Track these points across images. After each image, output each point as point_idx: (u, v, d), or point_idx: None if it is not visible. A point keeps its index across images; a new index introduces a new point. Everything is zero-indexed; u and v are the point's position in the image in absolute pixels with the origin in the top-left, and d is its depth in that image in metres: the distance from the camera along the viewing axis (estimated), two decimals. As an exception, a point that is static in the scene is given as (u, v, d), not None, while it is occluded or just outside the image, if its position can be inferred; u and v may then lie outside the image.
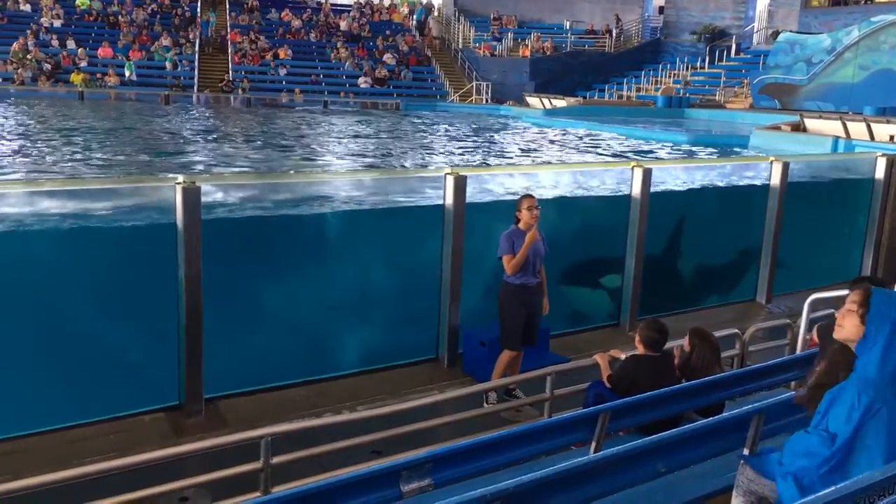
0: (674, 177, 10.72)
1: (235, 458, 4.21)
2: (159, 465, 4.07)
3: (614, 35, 39.10)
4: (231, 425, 5.64)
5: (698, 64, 34.81)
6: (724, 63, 34.30)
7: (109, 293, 5.73)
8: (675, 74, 34.44)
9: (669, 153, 17.89)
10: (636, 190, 7.92)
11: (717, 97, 30.79)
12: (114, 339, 5.68)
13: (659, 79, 34.38)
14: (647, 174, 7.90)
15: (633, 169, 8.01)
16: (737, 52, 35.20)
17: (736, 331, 6.45)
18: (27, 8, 33.74)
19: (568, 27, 40.52)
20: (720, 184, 10.69)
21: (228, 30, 35.42)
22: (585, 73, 37.00)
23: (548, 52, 37.38)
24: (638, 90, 34.17)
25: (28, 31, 31.35)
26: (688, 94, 30.97)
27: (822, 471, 2.93)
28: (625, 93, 33.97)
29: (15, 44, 30.27)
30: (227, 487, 4.19)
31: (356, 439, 4.61)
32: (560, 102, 29.52)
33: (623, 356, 5.09)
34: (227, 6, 37.19)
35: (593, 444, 3.81)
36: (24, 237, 5.93)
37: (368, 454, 4.78)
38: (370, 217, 7.49)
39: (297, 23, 37.49)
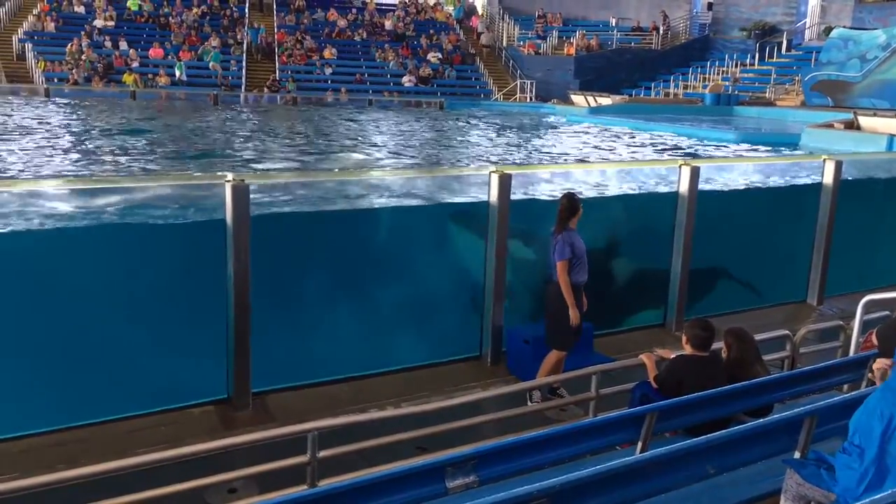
0: (722, 175, 10.56)
1: (282, 451, 4.28)
2: (209, 457, 4.16)
3: (661, 32, 38.59)
4: (278, 419, 5.73)
5: (748, 61, 34.18)
6: (774, 60, 33.61)
7: (163, 288, 5.86)
8: (723, 71, 33.86)
9: (718, 151, 17.60)
10: (683, 188, 7.81)
11: (767, 94, 30.19)
12: (166, 332, 5.81)
13: (707, 76, 33.83)
14: (695, 172, 7.79)
15: (680, 167, 7.91)
16: (788, 49, 34.46)
17: (786, 332, 6.32)
18: (81, 10, 34.61)
19: (614, 24, 40.13)
20: (770, 182, 10.49)
21: (275, 30, 35.87)
22: (631, 70, 36.60)
23: (593, 50, 37.07)
24: (685, 87, 33.67)
25: (82, 33, 32.15)
26: (737, 92, 30.44)
27: (861, 488, 2.85)
28: (671, 90, 33.51)
29: (70, 45, 31.08)
30: (274, 480, 4.25)
31: (401, 435, 4.64)
32: (605, 100, 29.25)
33: (671, 356, 5.03)
34: (275, 7, 37.67)
35: (639, 445, 3.78)
36: (84, 233, 6.10)
37: (413, 450, 4.81)
38: (416, 214, 7.52)
39: (342, 23, 37.81)
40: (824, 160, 9.00)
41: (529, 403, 5.87)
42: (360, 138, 19.47)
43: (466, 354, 7.09)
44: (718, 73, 33.81)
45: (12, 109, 22.29)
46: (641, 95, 33.29)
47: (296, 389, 6.29)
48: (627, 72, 36.43)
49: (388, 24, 38.54)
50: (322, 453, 4.18)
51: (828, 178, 8.90)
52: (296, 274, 6.40)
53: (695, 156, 16.20)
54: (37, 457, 5.03)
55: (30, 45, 30.99)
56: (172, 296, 5.87)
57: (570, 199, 6.15)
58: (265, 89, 31.79)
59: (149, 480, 3.96)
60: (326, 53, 35.04)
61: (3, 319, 5.32)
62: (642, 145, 19.12)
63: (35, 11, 33.71)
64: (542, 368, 6.16)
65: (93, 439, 5.31)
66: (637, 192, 9.66)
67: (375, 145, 17.53)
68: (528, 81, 34.85)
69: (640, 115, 24.73)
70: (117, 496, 3.80)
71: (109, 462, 3.81)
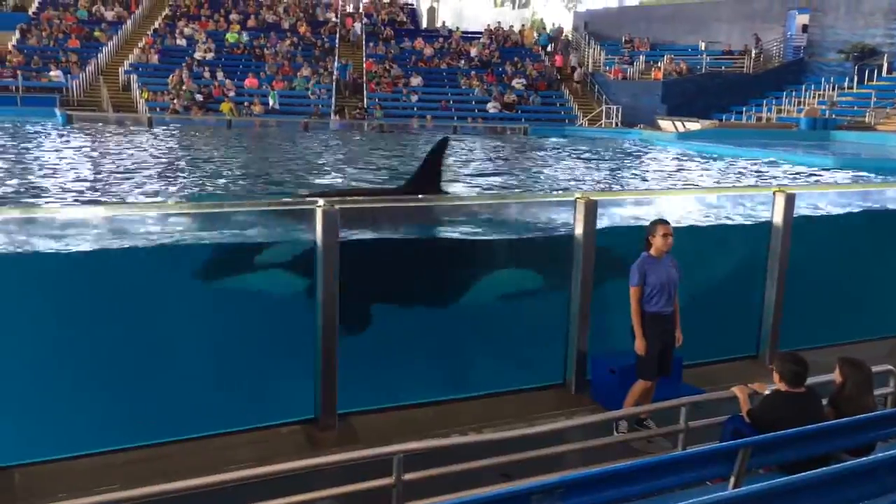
0: (819, 202, 10.18)
1: (365, 472, 4.33)
2: (296, 476, 4.25)
3: (753, 55, 37.64)
4: (362, 440, 5.81)
5: (846, 84, 32.88)
6: (874, 83, 32.21)
7: (254, 311, 6.06)
8: (819, 95, 32.67)
9: (814, 178, 16.97)
10: (777, 217, 7.57)
11: (866, 119, 28.94)
12: (256, 353, 5.99)
13: (802, 100, 32.72)
14: (790, 200, 7.54)
15: (774, 194, 7.67)
16: (889, 71, 32.98)
17: (890, 367, 6.00)
18: (182, 43, 36.42)
19: (703, 48, 39.39)
20: (871, 209, 10.03)
21: (364, 59, 36.79)
22: (722, 94, 35.75)
23: (682, 74, 36.46)
24: (779, 112, 32.65)
25: (183, 64, 33.82)
26: (834, 116, 29.30)
27: None
28: (764, 115, 32.54)
29: (172, 76, 32.72)
30: (359, 501, 4.30)
31: (485, 461, 4.63)
32: (694, 125, 28.69)
33: (767, 390, 4.84)
34: (364, 38, 38.67)
35: (732, 480, 3.65)
36: (181, 255, 6.38)
37: (496, 476, 4.79)
38: (502, 242, 7.54)
39: (428, 51, 38.49)
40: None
41: (616, 433, 5.76)
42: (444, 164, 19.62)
43: (549, 382, 7.03)
44: (814, 97, 32.65)
45: (122, 137, 23.55)
46: (732, 120, 32.47)
47: (380, 412, 6.37)
48: (717, 96, 35.59)
49: (473, 52, 38.99)
50: (407, 476, 4.21)
51: (935, 206, 8.46)
52: (383, 298, 6.51)
53: (790, 182, 15.66)
54: (136, 470, 5.24)
55: (135, 77, 32.80)
56: (264, 318, 6.06)
57: (649, 226, 6.05)
58: (353, 117, 32.63)
59: (238, 497, 4.08)
60: (413, 81, 35.69)
61: (105, 339, 5.60)
62: (733, 171, 18.61)
63: (140, 44, 35.70)
64: (628, 398, 6.04)
65: (186, 454, 5.51)
66: (729, 220, 9.40)
67: (459, 171, 17.66)
68: (614, 107, 34.52)
69: (732, 140, 24.10)
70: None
71: (203, 477, 3.94)
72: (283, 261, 6.59)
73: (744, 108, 33.96)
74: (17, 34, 34.74)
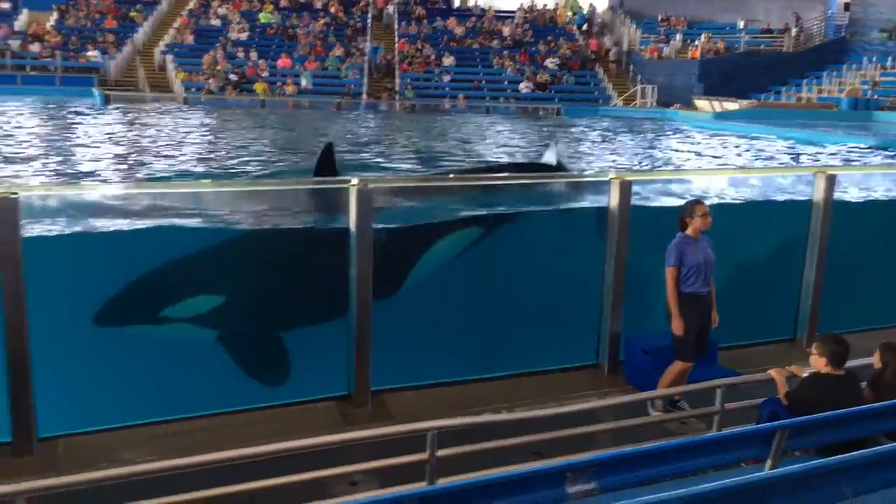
0: (859, 183, 9.96)
1: (399, 448, 4.37)
2: (330, 450, 4.31)
3: (793, 34, 36.81)
4: (395, 417, 5.87)
5: (888, 63, 32.06)
6: (918, 62, 31.40)
7: (295, 289, 6.13)
8: (861, 74, 31.92)
9: (855, 159, 16.61)
10: (818, 197, 7.44)
11: (910, 98, 28.24)
12: (295, 330, 6.06)
13: (843, 79, 32.00)
14: (831, 181, 7.40)
15: (815, 175, 7.53)
16: (934, 50, 32.13)
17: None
18: (217, 23, 36.61)
19: (742, 26, 38.61)
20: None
21: (396, 40, 36.67)
22: (760, 74, 35.05)
23: (719, 53, 35.80)
24: (819, 92, 31.97)
25: (217, 45, 34.01)
26: (876, 96, 28.62)
27: None
28: (804, 94, 31.90)
29: (206, 56, 32.94)
30: (393, 475, 4.35)
31: (517, 439, 4.64)
32: (732, 105, 28.20)
33: (805, 373, 4.78)
34: (396, 18, 38.52)
35: (769, 462, 3.62)
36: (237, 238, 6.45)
37: (529, 454, 4.80)
38: (535, 220, 7.51)
39: (460, 30, 38.23)
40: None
41: (652, 413, 5.73)
42: (476, 143, 19.59)
43: (582, 362, 7.02)
44: (856, 77, 31.90)
45: (158, 117, 23.82)
46: (771, 100, 31.86)
47: (412, 389, 6.41)
48: (756, 75, 34.91)
49: (506, 31, 38.65)
50: (440, 452, 4.24)
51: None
52: (413, 278, 6.53)
53: (830, 163, 15.35)
54: (178, 441, 5.36)
55: (170, 57, 33.08)
56: (306, 296, 6.12)
57: (686, 207, 5.99)
58: (384, 97, 32.62)
59: (275, 468, 4.14)
60: (445, 61, 35.52)
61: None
62: (772, 152, 18.29)
63: (175, 25, 35.96)
64: (663, 378, 6.00)
65: (226, 427, 5.63)
66: (766, 200, 9.24)
67: (491, 151, 17.59)
68: (649, 86, 34.03)
69: (770, 120, 23.67)
70: (250, 482, 3.99)
71: (243, 448, 4.02)
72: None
73: (783, 88, 33.29)
74: (56, 14, 35.20)
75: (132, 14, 36.27)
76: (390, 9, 39.35)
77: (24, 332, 5.04)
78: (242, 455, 3.96)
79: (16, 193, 4.96)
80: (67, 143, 15.48)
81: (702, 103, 30.02)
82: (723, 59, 35.59)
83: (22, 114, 22.31)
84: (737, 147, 19.56)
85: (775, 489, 2.92)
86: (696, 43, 36.42)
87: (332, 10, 38.80)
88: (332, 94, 32.03)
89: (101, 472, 3.91)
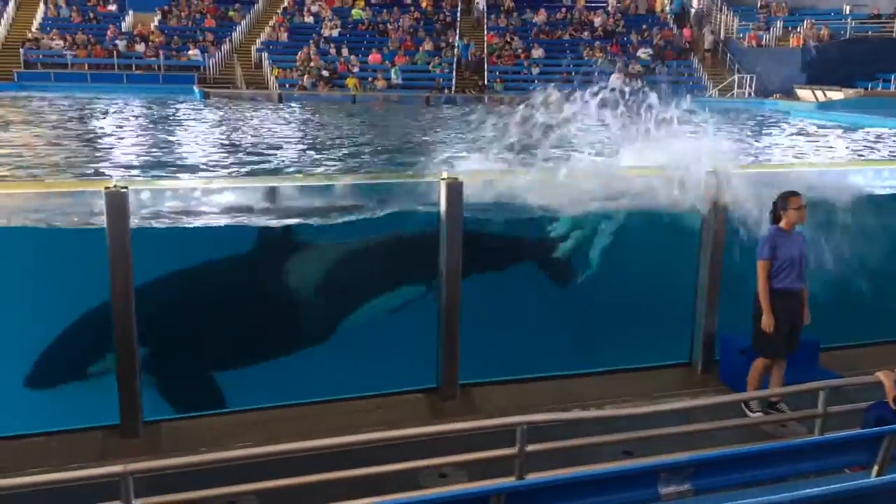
0: None
1: (487, 442, 4.38)
2: (420, 442, 4.36)
3: (905, 18, 34.78)
4: (483, 411, 5.88)
5: None
6: None
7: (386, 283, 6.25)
8: (980, 60, 29.87)
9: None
10: (933, 191, 7.02)
11: None
12: (387, 323, 6.18)
13: (960, 66, 30.02)
14: (947, 173, 6.97)
15: (930, 167, 7.10)
16: None
17: None
18: (310, 20, 37.45)
19: (847, 11, 36.71)
20: None
21: (485, 33, 36.61)
22: (867, 61, 33.21)
23: (823, 40, 34.16)
24: (932, 80, 30.10)
25: (311, 41, 34.82)
26: None
27: None
28: (915, 83, 30.08)
29: (300, 53, 33.78)
30: (482, 469, 4.37)
31: (608, 437, 4.59)
32: (836, 94, 26.88)
33: (916, 376, 4.53)
34: (485, 11, 38.44)
35: (875, 468, 3.45)
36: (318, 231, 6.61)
37: (619, 453, 4.74)
38: (627, 218, 7.37)
39: (550, 21, 37.86)
40: None
41: (750, 414, 5.55)
42: (568, 136, 19.31)
43: (675, 361, 6.87)
44: (974, 63, 29.88)
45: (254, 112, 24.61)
46: (879, 89, 30.18)
47: (500, 384, 6.42)
48: (863, 63, 33.09)
49: (597, 22, 38.02)
50: (530, 447, 4.23)
51: None
52: (505, 273, 6.53)
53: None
54: (273, 428, 5.54)
55: (265, 55, 34.06)
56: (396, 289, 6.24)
57: (779, 198, 5.75)
58: (473, 91, 32.65)
59: (367, 458, 4.23)
60: (534, 53, 35.24)
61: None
62: (879, 143, 17.34)
63: (271, 23, 37.00)
64: (750, 377, 5.80)
65: (321, 416, 5.80)
66: (876, 194, 8.77)
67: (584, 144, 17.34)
68: (747, 76, 32.80)
69: (878, 110, 22.44)
70: (344, 470, 4.09)
71: (338, 437, 4.13)
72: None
73: (892, 76, 31.47)
74: (159, 15, 36.78)
75: (230, 13, 37.51)
76: (479, 2, 39.31)
77: (131, 321, 5.30)
78: (339, 444, 4.06)
79: (126, 187, 5.22)
80: (172, 139, 16.17)
81: (804, 93, 28.75)
82: (827, 47, 33.92)
83: (130, 111, 23.48)
84: (842, 138, 18.64)
85: (883, 497, 2.79)
86: (798, 30, 34.86)
87: (423, 4, 39.07)
88: (421, 87, 32.28)
89: (205, 455, 4.08)
